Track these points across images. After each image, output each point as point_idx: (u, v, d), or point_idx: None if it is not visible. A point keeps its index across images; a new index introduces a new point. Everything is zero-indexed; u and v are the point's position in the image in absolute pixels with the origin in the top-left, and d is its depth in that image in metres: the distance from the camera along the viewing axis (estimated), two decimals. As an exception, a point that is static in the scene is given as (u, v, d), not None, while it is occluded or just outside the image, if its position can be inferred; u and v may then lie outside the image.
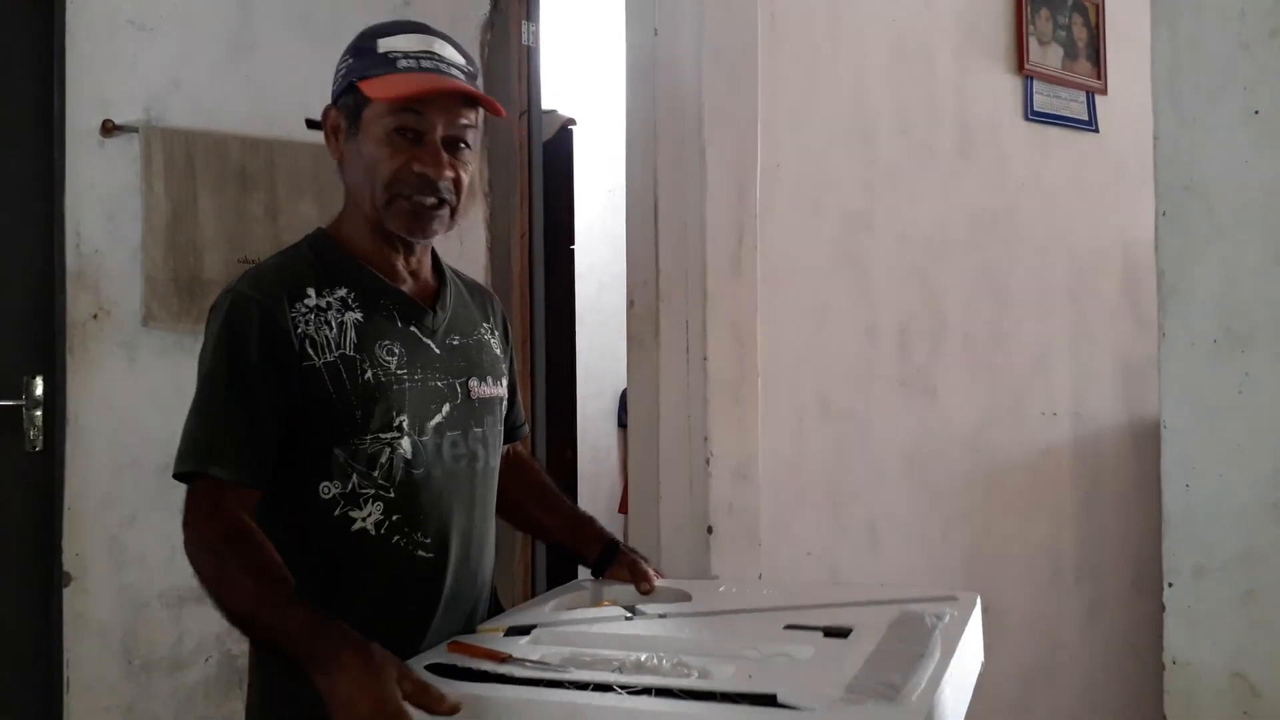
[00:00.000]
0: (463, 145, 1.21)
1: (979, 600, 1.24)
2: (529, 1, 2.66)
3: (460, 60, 1.22)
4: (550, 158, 2.82)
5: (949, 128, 2.32)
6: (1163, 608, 1.56)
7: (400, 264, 1.25)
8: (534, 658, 1.06)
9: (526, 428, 1.49)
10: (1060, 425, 2.50)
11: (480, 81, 1.30)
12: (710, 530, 1.93)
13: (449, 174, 1.19)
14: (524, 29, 2.64)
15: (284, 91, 2.33)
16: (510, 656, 1.06)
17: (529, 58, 2.67)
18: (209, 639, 2.25)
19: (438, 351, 1.24)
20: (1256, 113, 1.44)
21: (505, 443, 1.40)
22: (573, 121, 3.13)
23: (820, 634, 1.11)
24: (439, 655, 1.10)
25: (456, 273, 1.37)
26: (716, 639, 1.13)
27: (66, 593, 2.16)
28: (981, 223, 2.37)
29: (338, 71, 1.24)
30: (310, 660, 0.99)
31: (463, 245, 2.52)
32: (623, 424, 3.77)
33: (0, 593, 2.17)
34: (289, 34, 2.34)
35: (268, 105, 2.32)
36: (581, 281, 3.26)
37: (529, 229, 2.68)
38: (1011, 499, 2.41)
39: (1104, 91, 2.58)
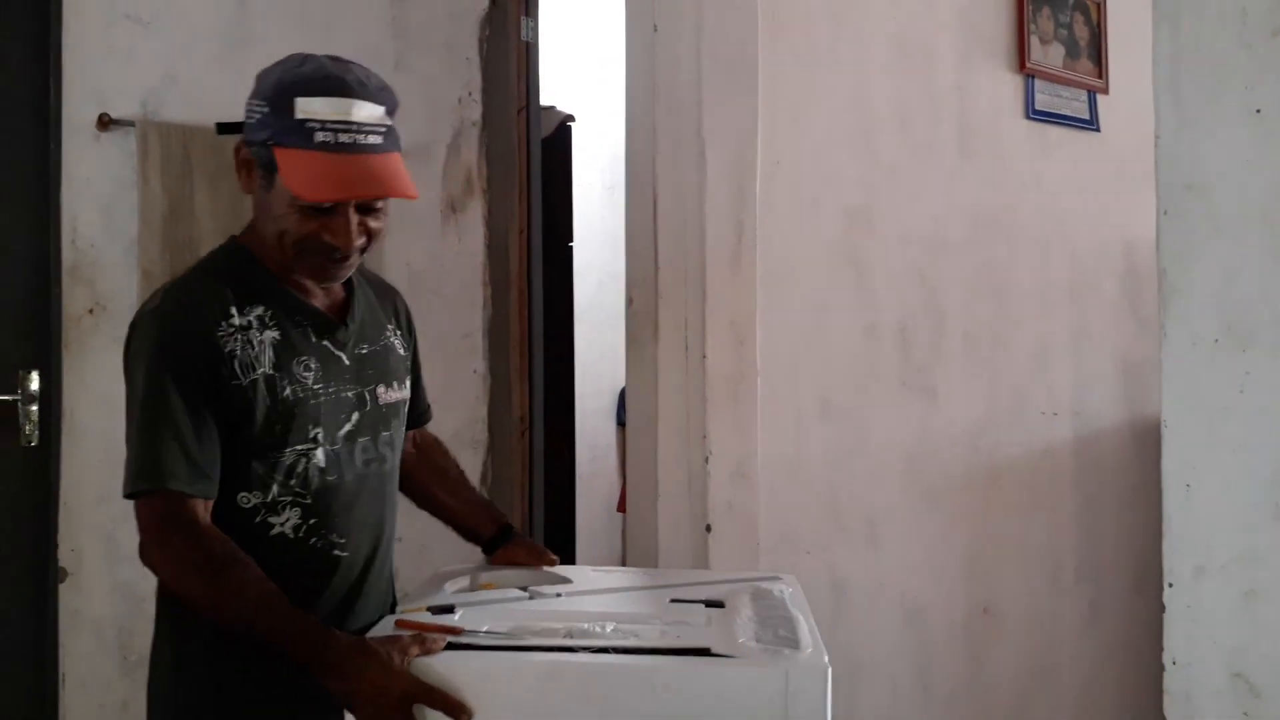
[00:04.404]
0: (376, 205, 1.23)
1: (797, 581, 1.46)
2: (528, -3, 2.65)
3: (377, 115, 1.20)
4: (549, 155, 2.81)
5: (949, 126, 2.31)
6: (1163, 608, 1.56)
7: (310, 280, 1.29)
8: (484, 629, 1.16)
9: (431, 412, 1.56)
10: (1061, 425, 2.49)
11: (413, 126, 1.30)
12: (709, 529, 1.92)
13: (359, 243, 1.23)
14: (523, 25, 2.63)
15: (282, 87, 2.31)
16: (464, 630, 1.15)
17: (528, 54, 2.66)
18: (204, 636, 2.24)
19: (348, 363, 1.30)
20: (1258, 111, 1.43)
21: (412, 428, 1.47)
22: (571, 118, 3.12)
23: (702, 605, 1.29)
24: (387, 631, 1.17)
25: (362, 272, 1.40)
26: (626, 612, 1.28)
27: (62, 588, 2.15)
28: (982, 221, 2.36)
29: (252, 109, 1.21)
30: (322, 666, 1.11)
31: (461, 242, 2.51)
32: (621, 422, 3.75)
33: (-5, 589, 2.17)
34: (285, 28, 2.34)
35: (265, 100, 2.31)
36: (580, 279, 3.26)
37: (527, 226, 2.66)
38: (1011, 499, 2.40)
39: (1105, 91, 2.57)
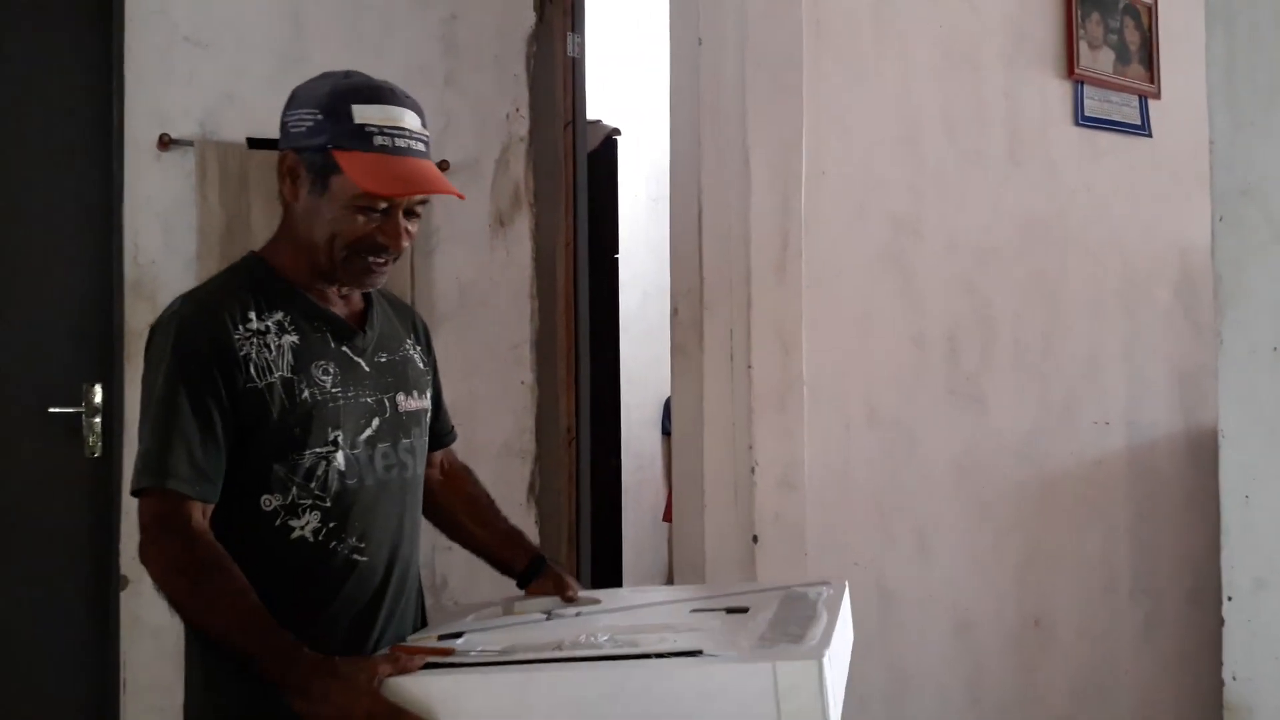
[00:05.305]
0: (418, 210, 1.30)
1: (847, 585, 1.40)
2: (574, 13, 2.67)
3: (421, 128, 1.27)
4: (595, 168, 2.84)
5: (997, 133, 2.29)
6: (1221, 622, 1.52)
7: (332, 291, 1.33)
8: (476, 649, 1.15)
9: (456, 433, 1.56)
10: (1114, 435, 2.45)
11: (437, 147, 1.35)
12: (756, 540, 1.92)
13: (405, 244, 1.29)
14: (569, 40, 2.66)
15: (334, 104, 2.36)
16: (454, 650, 1.14)
17: (574, 69, 2.69)
18: (260, 643, 2.29)
19: (368, 369, 1.31)
20: (1317, 114, 1.40)
21: (435, 449, 1.48)
22: (617, 132, 3.15)
23: (723, 613, 1.26)
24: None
25: (380, 291, 1.43)
26: (635, 624, 1.25)
27: (123, 595, 2.21)
28: (1031, 229, 2.33)
29: (301, 119, 1.28)
30: (288, 687, 1.10)
31: (509, 255, 2.54)
32: (667, 432, 3.76)
33: (60, 595, 2.23)
34: (339, 48, 2.39)
35: (318, 118, 2.36)
36: (625, 291, 3.28)
37: (573, 238, 2.69)
38: (1064, 510, 2.36)
39: (1157, 95, 2.54)
